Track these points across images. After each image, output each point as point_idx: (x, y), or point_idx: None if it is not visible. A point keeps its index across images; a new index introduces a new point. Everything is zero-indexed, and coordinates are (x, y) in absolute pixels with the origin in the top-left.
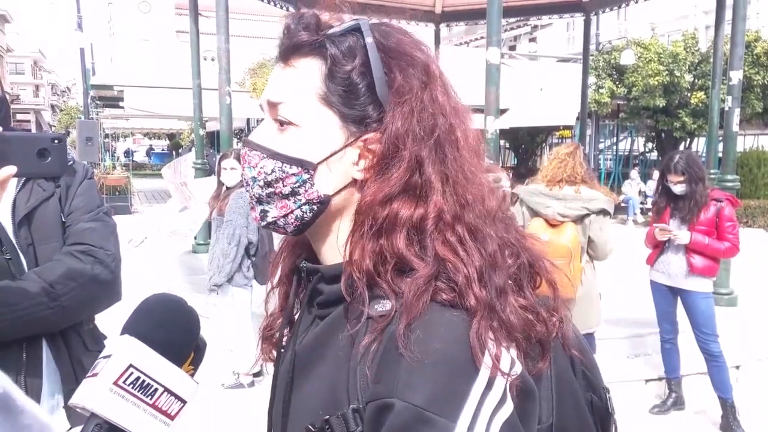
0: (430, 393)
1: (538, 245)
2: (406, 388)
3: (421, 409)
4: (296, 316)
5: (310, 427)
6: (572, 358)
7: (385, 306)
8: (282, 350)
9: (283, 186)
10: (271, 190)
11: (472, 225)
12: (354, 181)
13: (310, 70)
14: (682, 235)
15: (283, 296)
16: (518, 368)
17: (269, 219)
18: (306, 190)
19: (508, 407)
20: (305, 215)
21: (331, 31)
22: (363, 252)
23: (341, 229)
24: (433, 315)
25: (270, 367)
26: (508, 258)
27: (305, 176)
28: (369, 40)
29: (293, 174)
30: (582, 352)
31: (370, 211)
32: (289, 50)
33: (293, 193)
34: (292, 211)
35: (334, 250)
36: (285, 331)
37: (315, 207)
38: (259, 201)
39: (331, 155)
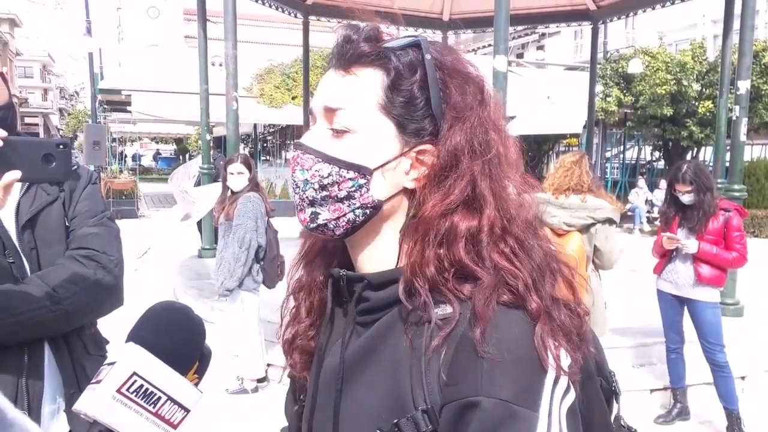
0: (514, 388)
1: (556, 247)
2: (490, 386)
3: (509, 403)
4: (331, 324)
5: (378, 431)
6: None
7: (446, 310)
8: (317, 359)
9: (339, 190)
10: (326, 193)
11: (520, 237)
12: (404, 190)
13: (373, 79)
14: (690, 244)
15: (317, 305)
16: (574, 363)
17: (320, 221)
18: (361, 195)
19: (572, 395)
20: (357, 219)
21: (391, 44)
22: (424, 260)
23: (386, 236)
24: (500, 317)
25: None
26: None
27: (361, 181)
28: (428, 56)
29: (350, 178)
30: (594, 342)
31: (433, 221)
32: (352, 59)
33: (348, 197)
34: (345, 215)
35: (376, 256)
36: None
37: (368, 211)
38: (312, 203)
39: (387, 163)
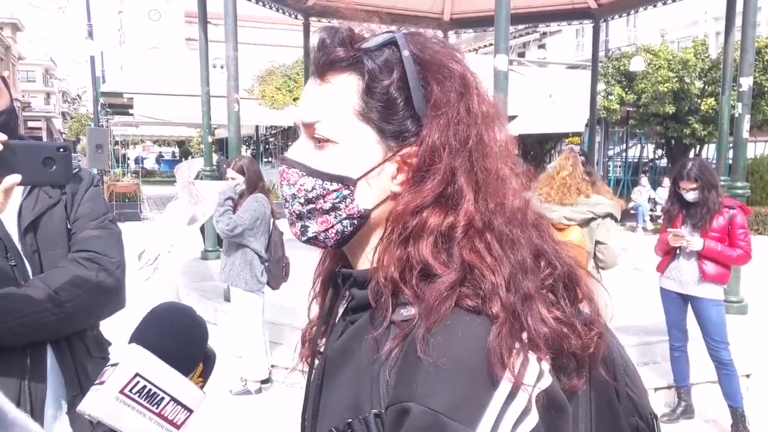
0: (449, 398)
1: (573, 254)
2: (424, 392)
3: (439, 414)
4: (334, 321)
5: (333, 430)
6: (616, 378)
7: (409, 312)
8: (319, 355)
9: (324, 202)
10: (311, 206)
11: (502, 231)
12: (392, 195)
13: (347, 86)
14: (695, 241)
15: (322, 302)
16: (547, 381)
17: (310, 234)
18: (347, 206)
19: (533, 419)
20: (345, 229)
21: (366, 45)
22: (390, 259)
23: (377, 240)
24: (455, 320)
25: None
26: (545, 268)
27: (345, 192)
28: (405, 53)
29: (334, 190)
30: (627, 374)
31: (400, 220)
32: (326, 66)
33: (334, 208)
34: (332, 226)
35: (368, 258)
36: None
37: (355, 221)
38: (300, 217)
39: (370, 171)
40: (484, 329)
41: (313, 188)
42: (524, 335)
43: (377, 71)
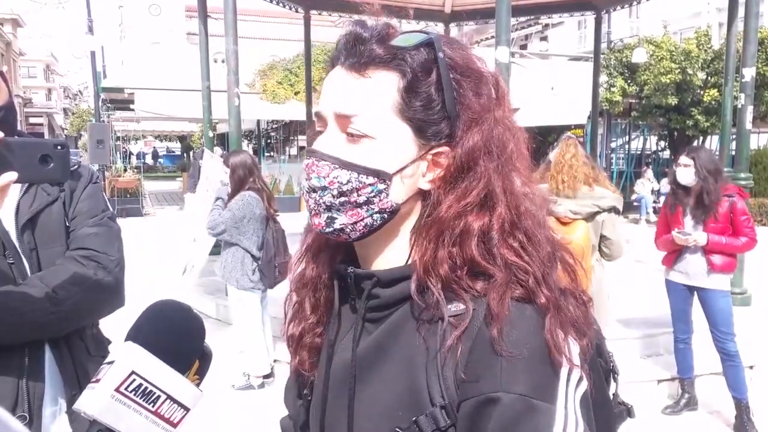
0: (531, 383)
1: (564, 241)
2: (509, 382)
3: (528, 398)
4: (339, 320)
5: (398, 429)
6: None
7: (458, 307)
8: (327, 356)
9: (359, 195)
10: (344, 199)
11: (528, 230)
12: (419, 191)
13: (387, 83)
14: (699, 237)
15: (323, 301)
16: (577, 351)
17: (336, 226)
18: (381, 200)
19: (584, 385)
20: (375, 223)
21: (402, 43)
22: (437, 259)
23: (399, 235)
24: (514, 314)
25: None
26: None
27: (381, 186)
28: (441, 55)
29: (369, 184)
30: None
31: (448, 222)
32: (366, 61)
33: (368, 202)
34: (362, 219)
35: (387, 254)
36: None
37: (386, 215)
38: (329, 209)
39: (406, 167)
40: (537, 317)
41: (348, 181)
42: (566, 320)
43: (418, 71)
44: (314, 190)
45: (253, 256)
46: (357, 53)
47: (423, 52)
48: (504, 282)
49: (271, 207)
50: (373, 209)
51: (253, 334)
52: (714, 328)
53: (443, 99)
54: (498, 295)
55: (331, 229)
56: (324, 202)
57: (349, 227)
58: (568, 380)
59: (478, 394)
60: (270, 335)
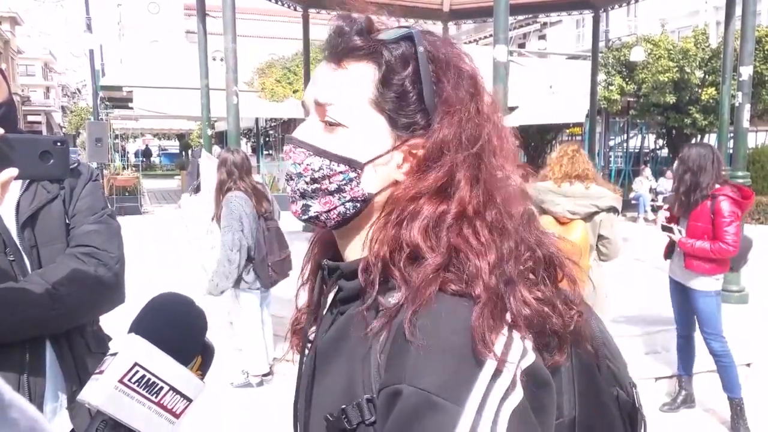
0: (438, 378)
1: (558, 242)
2: (413, 374)
3: (429, 394)
4: (324, 312)
5: (328, 416)
6: (597, 353)
7: (396, 297)
8: (308, 346)
9: (330, 183)
10: (316, 186)
11: (494, 221)
12: (395, 183)
13: (363, 74)
14: (676, 232)
15: (310, 292)
16: (530, 358)
17: (311, 213)
18: (352, 188)
19: (518, 395)
20: (348, 211)
21: (383, 37)
22: (383, 240)
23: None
24: (440, 304)
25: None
26: (525, 251)
27: (352, 175)
28: (421, 49)
29: (341, 172)
30: (608, 347)
31: (398, 203)
32: (343, 53)
33: (339, 190)
34: (335, 207)
35: (359, 247)
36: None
37: (358, 204)
38: (303, 196)
39: (378, 157)
40: (468, 311)
41: (320, 168)
42: (507, 316)
43: (394, 63)
44: (291, 177)
45: (248, 255)
46: (336, 45)
47: (402, 45)
48: (434, 265)
49: (261, 206)
50: (345, 197)
51: (252, 334)
52: (699, 327)
53: (419, 91)
54: (422, 278)
55: (306, 216)
56: (299, 189)
57: (324, 215)
58: (490, 383)
59: (389, 385)
60: (270, 334)
